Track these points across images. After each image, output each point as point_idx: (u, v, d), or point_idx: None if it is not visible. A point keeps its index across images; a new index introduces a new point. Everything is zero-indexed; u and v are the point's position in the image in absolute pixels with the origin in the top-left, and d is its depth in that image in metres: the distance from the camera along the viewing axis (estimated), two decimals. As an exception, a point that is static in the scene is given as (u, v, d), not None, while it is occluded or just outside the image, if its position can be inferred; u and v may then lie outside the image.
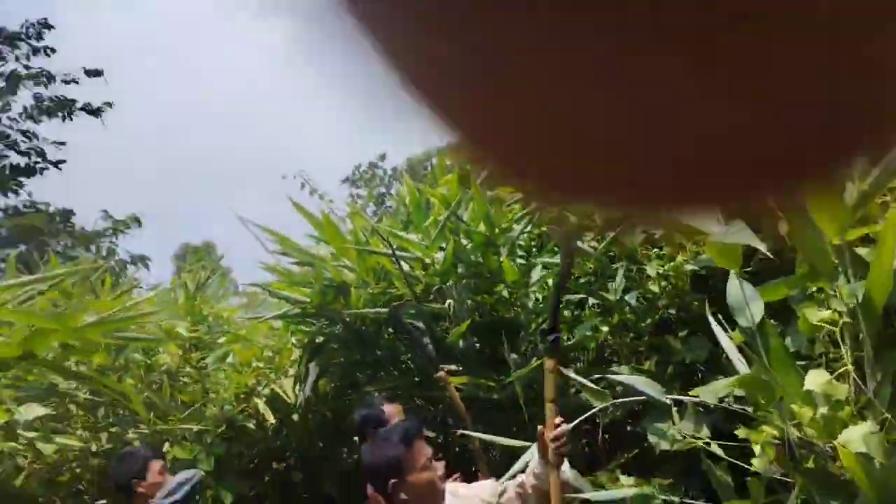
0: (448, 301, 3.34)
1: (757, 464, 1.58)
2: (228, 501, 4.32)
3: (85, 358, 2.83)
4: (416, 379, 3.44)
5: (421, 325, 3.20)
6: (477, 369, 3.27)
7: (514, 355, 3.43)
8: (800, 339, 1.81)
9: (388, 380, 3.52)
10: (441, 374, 2.96)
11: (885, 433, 1.49)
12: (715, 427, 2.77)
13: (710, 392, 2.66)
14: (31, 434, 2.97)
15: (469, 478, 3.30)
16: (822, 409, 1.53)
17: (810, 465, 1.58)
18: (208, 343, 5.13)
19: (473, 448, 3.05)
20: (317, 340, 3.67)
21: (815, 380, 1.51)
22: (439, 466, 2.01)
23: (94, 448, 4.66)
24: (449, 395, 2.95)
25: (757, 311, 1.70)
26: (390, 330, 3.48)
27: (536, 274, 3.44)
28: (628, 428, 3.16)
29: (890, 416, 1.56)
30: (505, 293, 3.42)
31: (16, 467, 4.36)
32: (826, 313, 1.59)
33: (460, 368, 3.35)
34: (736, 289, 1.80)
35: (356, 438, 4.56)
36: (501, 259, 3.30)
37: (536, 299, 3.39)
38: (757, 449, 1.61)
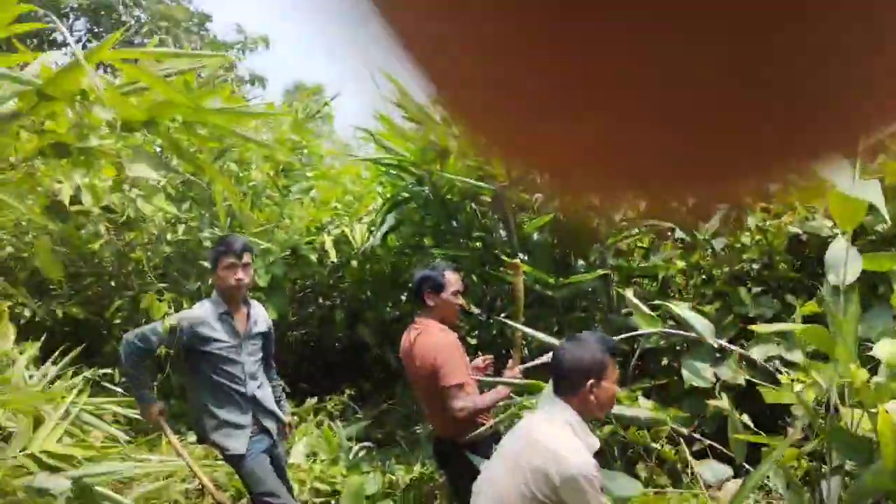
0: (537, 194, 3.38)
1: (793, 399, 1.62)
2: (271, 316, 4.65)
3: (201, 143, 3.03)
4: (482, 258, 3.54)
5: (504, 208, 3.26)
6: (541, 264, 3.34)
7: (580, 261, 3.49)
8: (886, 315, 1.79)
9: (455, 250, 3.63)
10: (515, 261, 3.05)
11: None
12: (750, 386, 2.82)
13: (761, 350, 2.67)
14: (135, 192, 3.21)
15: (501, 361, 3.46)
16: (879, 378, 1.54)
17: (840, 423, 1.61)
18: (297, 175, 5.37)
19: (514, 336, 3.17)
20: (401, 195, 3.79)
21: (885, 348, 1.51)
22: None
23: (168, 236, 5.05)
24: (514, 283, 3.04)
25: (852, 273, 1.68)
26: (473, 205, 3.56)
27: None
28: (664, 361, 3.23)
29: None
30: (596, 202, 3.43)
31: (96, 233, 4.78)
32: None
33: (525, 258, 3.44)
34: (839, 247, 1.77)
35: (403, 296, 4.79)
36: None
37: (623, 219, 3.40)
38: (798, 387, 1.64)
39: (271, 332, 3.20)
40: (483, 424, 3.20)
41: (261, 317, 3.12)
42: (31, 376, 4.35)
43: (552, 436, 2.02)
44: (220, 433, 2.92)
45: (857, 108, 0.19)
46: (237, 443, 2.93)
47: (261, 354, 3.11)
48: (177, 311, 3.58)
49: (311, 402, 4.79)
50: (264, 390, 3.09)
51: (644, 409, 2.64)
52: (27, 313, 5.23)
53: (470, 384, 3.12)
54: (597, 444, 2.04)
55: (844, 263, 1.68)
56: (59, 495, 2.64)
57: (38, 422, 3.53)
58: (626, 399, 2.75)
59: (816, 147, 0.21)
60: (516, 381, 3.06)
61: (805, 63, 0.18)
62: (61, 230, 4.79)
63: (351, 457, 3.82)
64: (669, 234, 3.51)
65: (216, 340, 2.91)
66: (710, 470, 2.28)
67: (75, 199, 4.45)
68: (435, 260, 3.34)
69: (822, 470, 1.69)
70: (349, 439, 4.24)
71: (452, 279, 3.21)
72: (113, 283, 5.01)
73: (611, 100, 0.19)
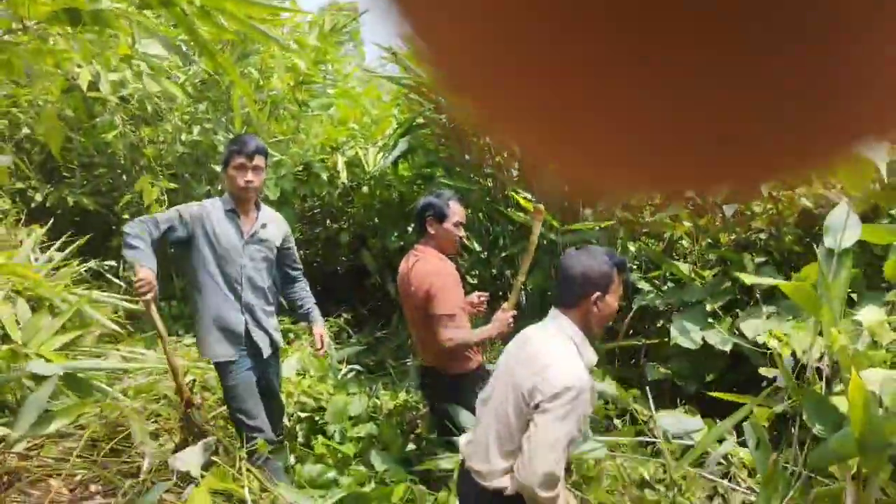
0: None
1: (776, 357, 1.62)
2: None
3: (217, 34, 2.96)
4: (491, 194, 3.52)
5: None
6: (547, 208, 3.32)
7: (587, 210, 3.47)
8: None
9: (465, 182, 3.62)
10: (539, 206, 3.03)
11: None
12: (736, 356, 2.84)
13: (750, 326, 2.67)
14: (144, 68, 3.18)
15: (497, 302, 3.48)
16: (859, 346, 1.54)
17: (815, 387, 1.62)
18: (318, 90, 5.32)
19: (514, 279, 3.18)
20: (417, 120, 3.75)
21: (869, 315, 1.51)
22: None
23: (183, 136, 5.05)
24: (532, 228, 3.03)
25: (849, 238, 1.66)
26: (487, 139, 3.52)
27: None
28: (660, 323, 3.24)
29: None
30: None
31: (111, 124, 4.79)
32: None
33: (533, 199, 3.41)
34: (841, 212, 1.75)
35: (410, 227, 4.79)
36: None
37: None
38: (774, 343, 1.65)
39: (289, 243, 3.16)
40: (470, 359, 3.25)
41: (272, 224, 3.06)
42: (35, 259, 4.44)
43: (548, 351, 2.00)
44: (211, 337, 2.91)
45: (857, 114, 0.20)
46: (224, 350, 2.91)
47: (265, 264, 3.04)
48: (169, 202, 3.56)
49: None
50: (262, 304, 3.02)
51: (609, 387, 2.68)
52: (38, 198, 5.30)
53: (461, 316, 3.15)
54: (595, 359, 2.05)
55: (843, 227, 1.66)
56: (50, 379, 2.71)
57: (37, 306, 3.62)
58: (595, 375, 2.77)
59: (821, 149, 0.21)
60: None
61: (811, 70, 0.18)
62: (76, 115, 4.81)
63: (339, 377, 3.89)
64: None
65: (217, 235, 2.88)
66: (678, 422, 2.30)
67: (93, 87, 4.46)
68: (445, 190, 3.33)
69: (792, 432, 1.70)
70: (340, 362, 4.32)
71: (456, 209, 3.20)
72: (124, 177, 5.05)
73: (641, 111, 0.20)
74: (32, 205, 5.27)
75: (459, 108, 0.22)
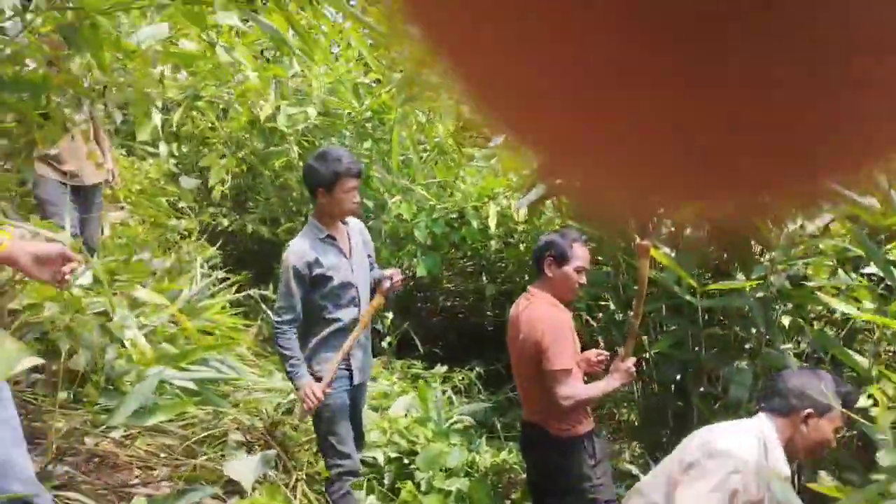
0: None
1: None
2: (420, 273, 4.68)
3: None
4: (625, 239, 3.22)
5: None
6: (688, 265, 2.95)
7: (741, 275, 3.02)
8: None
9: (592, 226, 3.35)
10: (645, 242, 2.72)
11: None
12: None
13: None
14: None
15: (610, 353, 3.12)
16: None
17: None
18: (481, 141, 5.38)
19: (629, 325, 2.84)
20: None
21: None
22: None
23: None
24: (639, 268, 2.71)
25: None
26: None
27: (823, 219, 2.90)
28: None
29: None
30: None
31: (285, 153, 5.18)
32: None
33: (671, 253, 3.06)
34: None
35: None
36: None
37: (802, 229, 2.86)
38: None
39: (370, 249, 3.08)
40: (581, 421, 2.92)
41: (357, 230, 3.00)
42: (202, 275, 4.85)
43: (724, 435, 2.00)
44: (316, 357, 2.82)
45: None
46: (322, 367, 2.81)
47: (367, 272, 2.99)
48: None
49: (441, 369, 4.77)
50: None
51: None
52: (225, 223, 5.88)
53: (577, 372, 2.85)
54: (785, 470, 1.93)
55: None
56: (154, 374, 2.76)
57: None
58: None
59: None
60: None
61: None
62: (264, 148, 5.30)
63: (443, 426, 3.71)
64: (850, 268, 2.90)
65: (326, 267, 2.77)
66: None
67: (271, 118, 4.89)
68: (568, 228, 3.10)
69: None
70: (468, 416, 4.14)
71: (580, 252, 2.95)
72: (294, 208, 5.42)
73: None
74: (219, 228, 5.85)
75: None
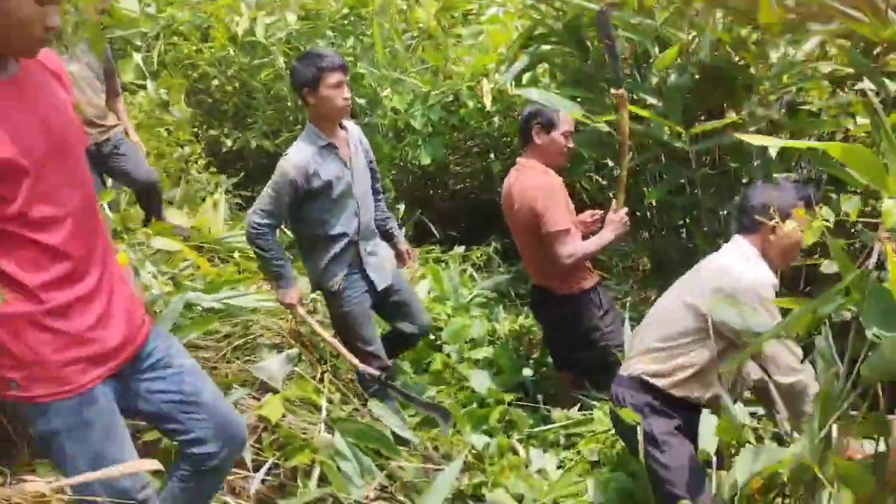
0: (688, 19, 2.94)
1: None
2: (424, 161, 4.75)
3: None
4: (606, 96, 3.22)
5: (609, 33, 2.88)
6: (673, 110, 2.96)
7: (732, 112, 3.03)
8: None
9: (576, 90, 3.35)
10: (621, 91, 2.74)
11: None
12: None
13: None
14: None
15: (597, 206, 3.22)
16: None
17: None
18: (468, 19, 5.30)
19: (618, 178, 2.91)
20: (539, 29, 3.51)
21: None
22: None
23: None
24: (618, 118, 2.75)
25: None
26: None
27: (811, 43, 2.85)
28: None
29: None
30: (753, 37, 2.90)
31: (272, 64, 5.14)
32: None
33: (657, 103, 3.07)
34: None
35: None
36: None
37: (790, 57, 2.82)
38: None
39: (371, 155, 3.06)
40: (585, 277, 3.06)
41: (356, 137, 2.95)
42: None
43: (721, 259, 2.22)
44: (326, 274, 2.84)
45: None
46: (335, 280, 2.84)
47: (370, 181, 2.99)
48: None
49: (459, 250, 4.92)
50: (372, 222, 2.97)
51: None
52: (228, 142, 5.97)
53: (575, 231, 2.97)
54: (773, 281, 2.12)
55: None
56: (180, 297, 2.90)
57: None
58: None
59: None
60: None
61: None
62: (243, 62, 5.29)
63: (462, 301, 3.90)
64: (848, 86, 2.88)
65: (326, 179, 2.72)
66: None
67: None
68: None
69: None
70: (490, 290, 4.30)
71: (565, 117, 3.00)
72: (291, 118, 5.47)
73: None
74: (223, 149, 5.95)
75: None
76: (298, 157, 2.71)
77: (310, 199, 2.76)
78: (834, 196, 2.76)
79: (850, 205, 1.34)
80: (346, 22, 4.96)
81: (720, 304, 2.04)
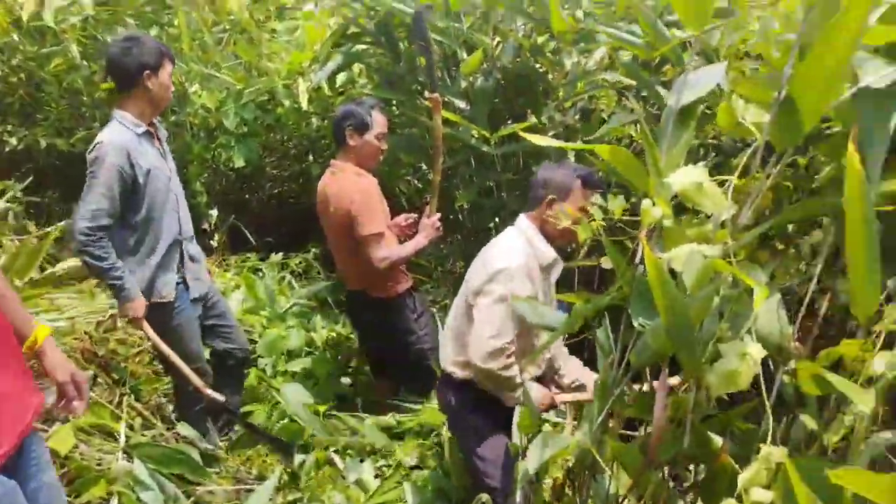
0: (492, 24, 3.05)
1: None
2: (237, 163, 4.56)
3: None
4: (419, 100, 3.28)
5: (425, 35, 2.94)
6: (480, 114, 3.06)
7: (532, 117, 3.19)
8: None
9: (390, 92, 3.38)
10: (434, 95, 2.79)
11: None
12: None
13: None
14: None
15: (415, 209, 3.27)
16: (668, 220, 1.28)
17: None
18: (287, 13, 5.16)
19: (431, 182, 2.97)
20: (352, 28, 3.49)
21: (681, 177, 1.23)
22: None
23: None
24: (433, 122, 2.80)
25: (691, 93, 1.38)
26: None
27: (599, 53, 3.07)
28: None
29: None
30: (550, 45, 3.08)
31: (65, 54, 4.71)
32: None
33: (466, 107, 3.16)
34: (707, 69, 1.47)
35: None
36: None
37: (582, 66, 3.02)
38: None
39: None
40: (400, 281, 3.08)
41: (163, 133, 2.85)
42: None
43: (496, 242, 2.31)
44: (156, 282, 2.64)
45: None
46: (167, 287, 2.67)
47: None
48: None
49: (276, 257, 4.78)
50: (190, 221, 2.84)
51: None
52: (13, 141, 5.36)
53: (390, 235, 2.98)
54: (551, 254, 2.25)
55: (688, 84, 1.38)
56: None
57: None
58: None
59: None
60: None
61: None
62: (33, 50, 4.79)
63: (279, 311, 3.78)
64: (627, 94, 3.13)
65: (147, 168, 2.56)
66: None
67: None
68: (365, 98, 3.12)
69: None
70: (309, 299, 4.20)
71: (379, 119, 2.99)
72: (87, 114, 5.03)
73: None
74: (7, 149, 5.34)
75: None
76: (116, 138, 2.52)
77: (132, 192, 2.55)
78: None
79: (616, 203, 1.43)
80: (148, 10, 4.63)
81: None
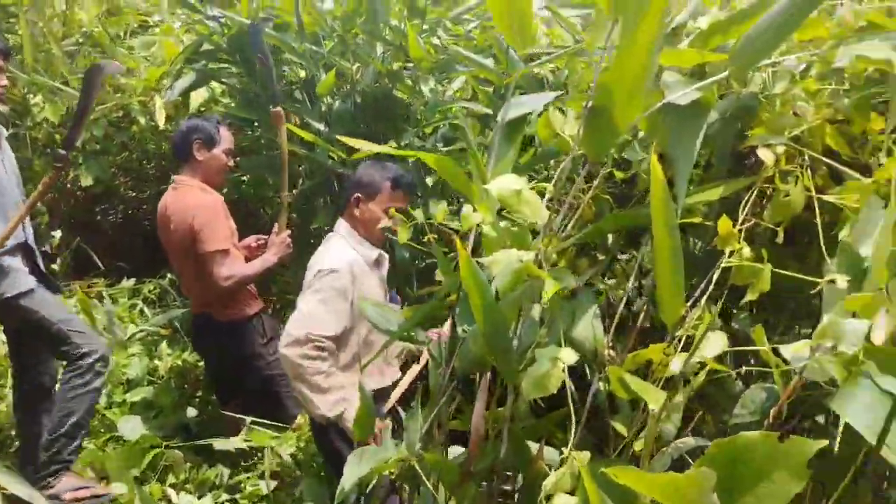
0: (351, 49, 3.05)
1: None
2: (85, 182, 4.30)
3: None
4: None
5: (262, 47, 2.91)
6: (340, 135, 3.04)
7: (392, 141, 3.19)
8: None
9: (250, 111, 3.30)
10: (277, 109, 2.74)
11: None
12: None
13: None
14: None
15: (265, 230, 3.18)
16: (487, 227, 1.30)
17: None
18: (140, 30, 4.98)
19: (280, 199, 2.90)
20: (205, 46, 3.39)
21: (499, 183, 1.25)
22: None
23: None
24: (278, 135, 2.75)
25: (516, 109, 1.42)
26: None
27: (458, 82, 3.15)
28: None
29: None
30: (408, 72, 3.11)
31: None
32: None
33: (324, 129, 3.12)
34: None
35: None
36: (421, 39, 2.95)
37: (440, 93, 3.07)
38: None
39: None
40: (249, 303, 2.96)
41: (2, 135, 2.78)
42: None
43: (318, 251, 2.32)
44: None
45: None
46: (22, 279, 2.64)
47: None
48: None
49: (129, 283, 4.50)
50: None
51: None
52: None
53: (235, 253, 2.86)
54: (372, 254, 2.31)
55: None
56: None
57: None
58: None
59: None
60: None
61: None
62: None
63: (121, 338, 3.54)
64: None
65: None
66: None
67: None
68: (213, 114, 3.03)
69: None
70: (163, 326, 3.97)
71: (226, 135, 2.92)
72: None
73: None
74: None
75: None
76: None
77: None
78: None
79: (438, 209, 1.43)
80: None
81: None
